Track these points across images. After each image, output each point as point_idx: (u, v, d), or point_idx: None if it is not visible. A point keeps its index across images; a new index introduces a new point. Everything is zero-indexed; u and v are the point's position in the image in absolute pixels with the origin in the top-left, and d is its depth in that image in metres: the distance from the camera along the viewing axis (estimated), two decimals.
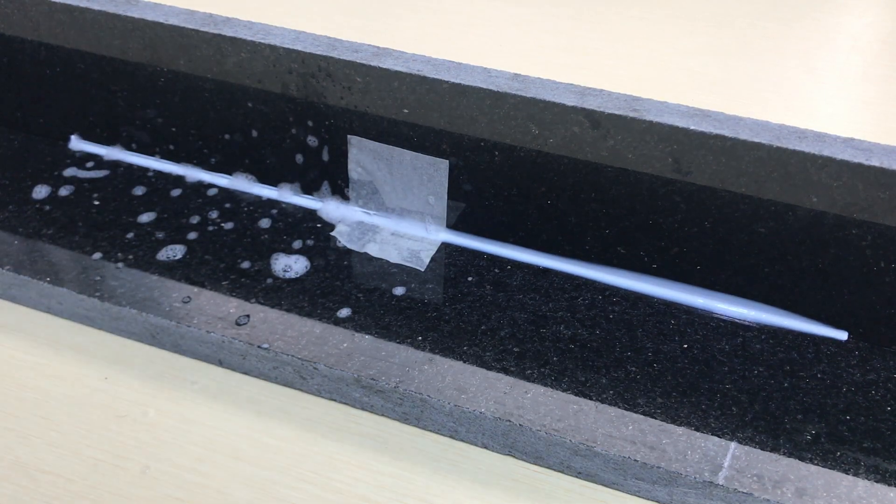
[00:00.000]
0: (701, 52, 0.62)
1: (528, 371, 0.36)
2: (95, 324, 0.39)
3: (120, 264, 0.40)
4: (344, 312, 0.38)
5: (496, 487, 0.33)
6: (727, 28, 0.65)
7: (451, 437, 0.35)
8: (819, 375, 0.36)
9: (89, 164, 0.46)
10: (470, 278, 0.40)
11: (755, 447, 0.33)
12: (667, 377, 0.36)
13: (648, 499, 0.33)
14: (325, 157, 0.43)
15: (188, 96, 0.43)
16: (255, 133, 0.43)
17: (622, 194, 0.38)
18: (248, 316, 0.38)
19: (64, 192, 0.45)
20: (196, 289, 0.39)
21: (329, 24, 0.63)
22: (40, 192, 0.44)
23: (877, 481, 0.32)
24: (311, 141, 0.42)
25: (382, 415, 0.36)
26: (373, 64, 0.39)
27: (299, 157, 0.43)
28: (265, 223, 0.43)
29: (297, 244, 0.42)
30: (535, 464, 0.34)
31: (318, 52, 0.39)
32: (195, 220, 0.43)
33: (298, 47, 0.40)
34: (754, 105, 0.56)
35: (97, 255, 0.41)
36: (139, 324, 0.38)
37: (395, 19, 0.65)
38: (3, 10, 0.44)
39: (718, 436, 0.33)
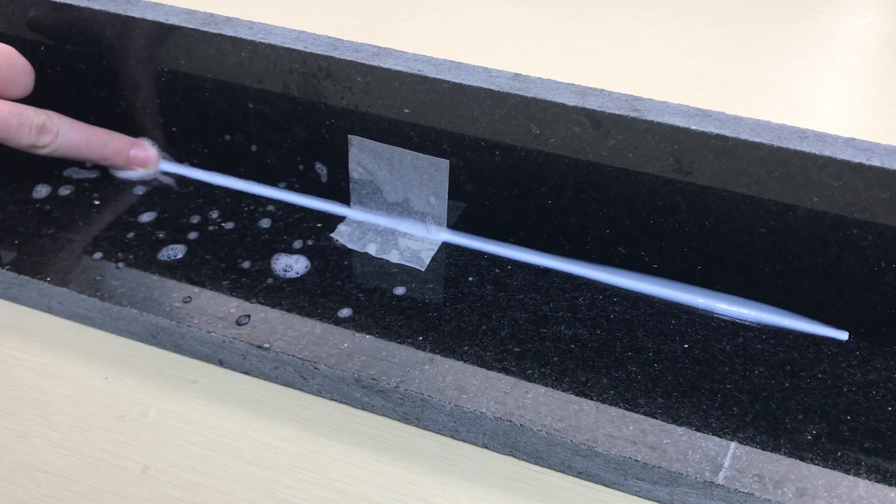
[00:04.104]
0: (701, 52, 0.62)
1: (529, 371, 0.36)
2: (96, 324, 0.39)
3: (120, 264, 0.40)
4: (344, 312, 0.38)
5: (496, 487, 0.33)
6: (727, 28, 0.65)
7: (451, 437, 0.35)
8: (820, 376, 0.36)
9: (89, 164, 0.46)
10: (470, 278, 0.40)
11: (756, 447, 0.33)
12: (668, 377, 0.36)
13: (649, 499, 0.33)
14: (325, 173, 0.43)
15: (188, 96, 0.43)
16: (255, 134, 0.43)
17: (623, 194, 0.38)
18: (248, 316, 0.38)
19: (64, 191, 0.44)
20: (196, 289, 0.39)
21: (330, 23, 0.63)
22: (40, 191, 0.44)
23: (878, 481, 0.32)
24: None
25: (383, 415, 0.36)
26: (373, 64, 0.39)
27: (300, 158, 0.43)
28: (265, 223, 0.43)
29: (297, 244, 0.42)
30: (536, 464, 0.34)
31: (319, 52, 0.39)
32: (195, 219, 0.43)
33: (299, 47, 0.40)
34: (755, 105, 0.56)
35: (97, 255, 0.41)
36: (139, 324, 0.38)
37: (395, 19, 0.65)
38: (3, 10, 0.44)
39: (719, 436, 0.33)
